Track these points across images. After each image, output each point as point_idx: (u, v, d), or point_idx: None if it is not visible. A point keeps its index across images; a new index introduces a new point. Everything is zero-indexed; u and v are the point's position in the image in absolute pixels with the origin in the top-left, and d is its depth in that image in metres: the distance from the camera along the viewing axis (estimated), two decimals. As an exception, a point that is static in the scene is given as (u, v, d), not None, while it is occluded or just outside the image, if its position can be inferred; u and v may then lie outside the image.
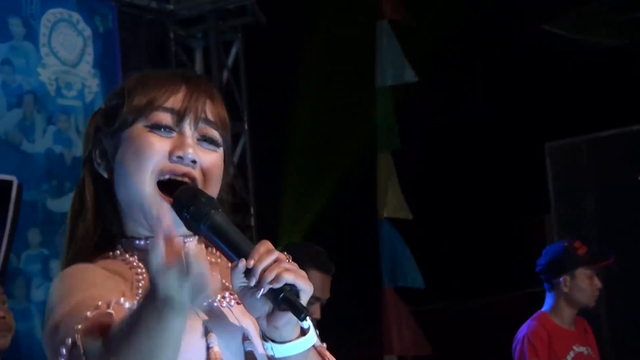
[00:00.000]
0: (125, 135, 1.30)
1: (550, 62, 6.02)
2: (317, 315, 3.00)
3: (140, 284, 1.28)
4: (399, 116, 5.43)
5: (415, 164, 5.82)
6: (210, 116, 1.31)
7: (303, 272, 1.19)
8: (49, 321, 1.20)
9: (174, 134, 1.29)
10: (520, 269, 4.97)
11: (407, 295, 5.49)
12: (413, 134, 5.59)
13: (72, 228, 1.35)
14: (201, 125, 1.30)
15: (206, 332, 1.25)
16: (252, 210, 5.51)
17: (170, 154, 1.27)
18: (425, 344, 5.40)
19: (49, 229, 4.44)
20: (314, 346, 1.26)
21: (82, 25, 4.83)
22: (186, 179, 1.28)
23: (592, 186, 5.49)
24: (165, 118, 1.29)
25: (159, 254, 1.03)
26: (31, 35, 4.58)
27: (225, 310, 1.29)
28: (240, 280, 1.19)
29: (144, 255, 1.19)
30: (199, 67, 5.63)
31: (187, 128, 1.29)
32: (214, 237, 1.18)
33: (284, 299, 1.17)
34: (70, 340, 1.13)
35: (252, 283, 1.17)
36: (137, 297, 1.24)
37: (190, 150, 1.27)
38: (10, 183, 4.26)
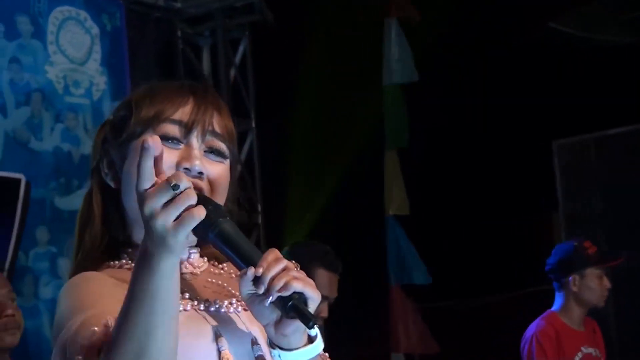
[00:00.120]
0: (133, 146, 1.31)
1: (558, 59, 6.00)
2: (325, 314, 3.01)
3: None
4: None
5: (422, 162, 5.82)
6: (217, 128, 1.32)
7: (311, 281, 1.20)
8: (57, 338, 1.20)
9: (182, 146, 1.30)
10: (528, 267, 4.96)
11: (414, 292, 5.49)
12: (419, 132, 5.59)
13: (80, 238, 1.37)
14: (208, 137, 1.31)
15: (216, 337, 1.26)
16: (259, 208, 5.52)
17: (178, 165, 1.28)
18: (432, 342, 5.39)
19: (57, 226, 4.45)
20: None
21: (89, 23, 4.84)
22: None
23: (600, 184, 5.47)
24: (173, 130, 1.30)
25: (147, 177, 1.07)
26: (39, 33, 4.59)
27: (233, 316, 1.30)
28: (248, 288, 1.20)
29: None
30: (206, 65, 5.64)
31: (195, 140, 1.30)
32: (222, 245, 1.18)
33: (293, 307, 1.17)
34: (80, 357, 1.14)
35: (261, 291, 1.18)
36: None
37: (197, 162, 1.28)
38: (18, 181, 4.27)
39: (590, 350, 3.76)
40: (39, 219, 4.41)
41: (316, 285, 1.21)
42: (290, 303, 1.17)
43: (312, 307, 1.19)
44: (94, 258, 1.35)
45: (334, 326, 3.07)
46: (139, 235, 1.33)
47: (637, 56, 5.51)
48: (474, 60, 6.24)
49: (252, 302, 1.21)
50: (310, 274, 1.23)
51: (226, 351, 1.24)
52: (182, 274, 1.25)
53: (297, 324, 1.20)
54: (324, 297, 2.94)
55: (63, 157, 4.59)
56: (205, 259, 1.40)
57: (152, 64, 5.22)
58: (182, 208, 1.07)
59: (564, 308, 3.75)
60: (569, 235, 5.26)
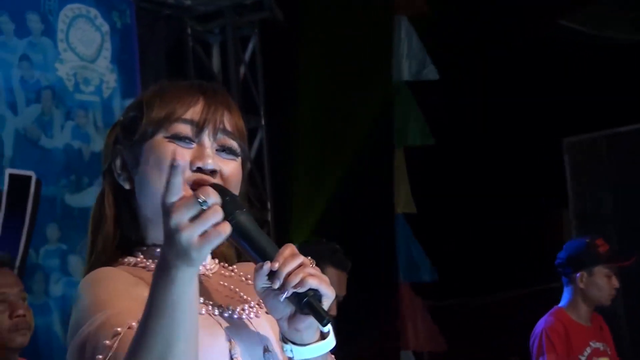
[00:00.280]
0: (145, 146, 1.31)
1: (569, 57, 5.98)
2: (334, 312, 3.01)
3: None
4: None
5: (432, 160, 5.81)
6: (228, 127, 1.33)
7: (326, 278, 1.20)
8: (75, 336, 1.21)
9: (194, 145, 1.31)
10: (537, 265, 4.95)
11: (423, 290, 5.48)
12: (430, 130, 5.58)
13: (93, 239, 1.37)
14: (220, 136, 1.32)
15: (229, 343, 1.26)
16: (268, 205, 5.53)
17: (191, 164, 1.29)
18: (441, 340, 5.39)
19: (68, 224, 4.47)
20: None
21: (99, 20, 4.85)
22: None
23: (611, 182, 5.45)
24: (185, 129, 1.31)
25: (175, 192, 1.08)
26: (49, 31, 4.60)
27: (246, 323, 1.31)
28: (263, 282, 1.21)
29: None
30: (216, 62, 5.64)
31: (207, 139, 1.31)
32: (238, 237, 1.18)
33: (307, 304, 1.18)
34: (101, 356, 1.15)
35: (276, 286, 1.19)
36: None
37: (210, 161, 1.29)
38: (29, 178, 4.29)
39: (599, 345, 3.75)
40: (50, 216, 4.43)
41: (326, 284, 1.21)
42: (305, 300, 1.18)
43: (326, 305, 1.20)
44: (108, 254, 1.35)
45: (343, 324, 3.07)
46: (152, 235, 1.34)
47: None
48: (484, 58, 6.23)
49: (267, 296, 1.22)
50: (319, 273, 1.24)
51: (238, 358, 1.25)
52: None
53: (311, 320, 1.20)
54: (333, 295, 2.94)
55: (73, 155, 4.60)
56: (217, 260, 1.40)
57: (162, 61, 5.23)
58: (209, 224, 1.08)
59: (571, 304, 3.74)
60: (579, 233, 5.23)
